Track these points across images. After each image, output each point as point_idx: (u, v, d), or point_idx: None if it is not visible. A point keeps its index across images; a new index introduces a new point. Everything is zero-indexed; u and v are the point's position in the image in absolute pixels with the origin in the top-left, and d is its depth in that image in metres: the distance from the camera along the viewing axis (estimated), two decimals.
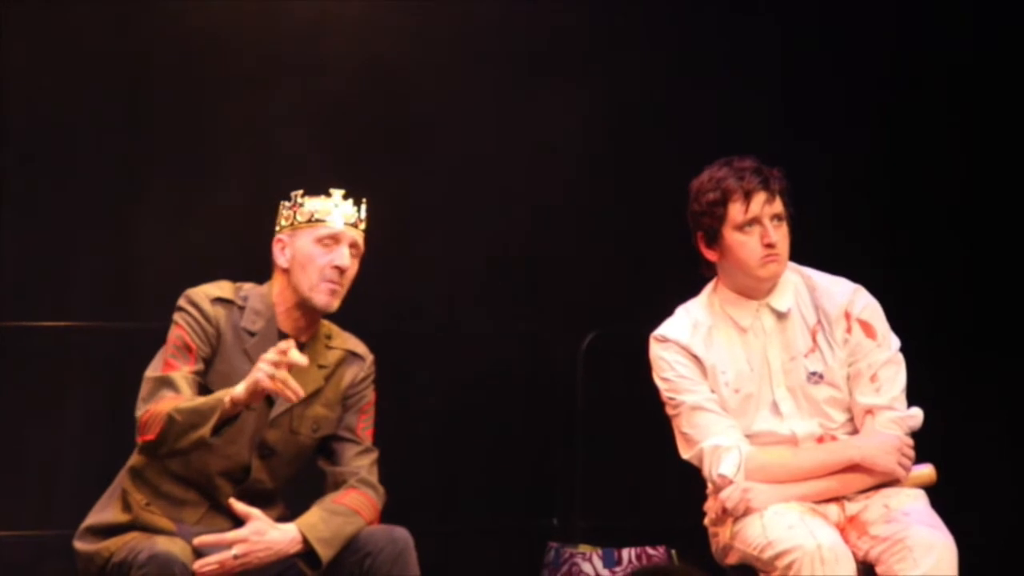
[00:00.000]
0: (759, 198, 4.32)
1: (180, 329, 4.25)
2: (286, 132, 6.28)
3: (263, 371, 4.00)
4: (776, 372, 4.35)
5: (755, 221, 4.32)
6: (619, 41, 6.62)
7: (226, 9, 6.24)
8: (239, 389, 4.05)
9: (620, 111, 6.59)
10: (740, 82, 6.61)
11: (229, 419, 4.09)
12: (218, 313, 4.27)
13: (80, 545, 4.23)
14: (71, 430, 6.02)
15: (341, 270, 4.28)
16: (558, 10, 6.55)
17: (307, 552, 4.18)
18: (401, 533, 4.24)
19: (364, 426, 4.41)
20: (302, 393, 4.06)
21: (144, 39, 6.18)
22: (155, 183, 6.20)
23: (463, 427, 6.51)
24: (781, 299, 4.39)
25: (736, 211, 4.32)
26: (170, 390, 4.16)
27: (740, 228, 4.33)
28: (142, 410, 4.17)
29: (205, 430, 4.05)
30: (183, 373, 4.20)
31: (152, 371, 4.23)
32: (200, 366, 4.23)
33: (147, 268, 6.11)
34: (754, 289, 4.39)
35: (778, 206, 4.34)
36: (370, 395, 4.44)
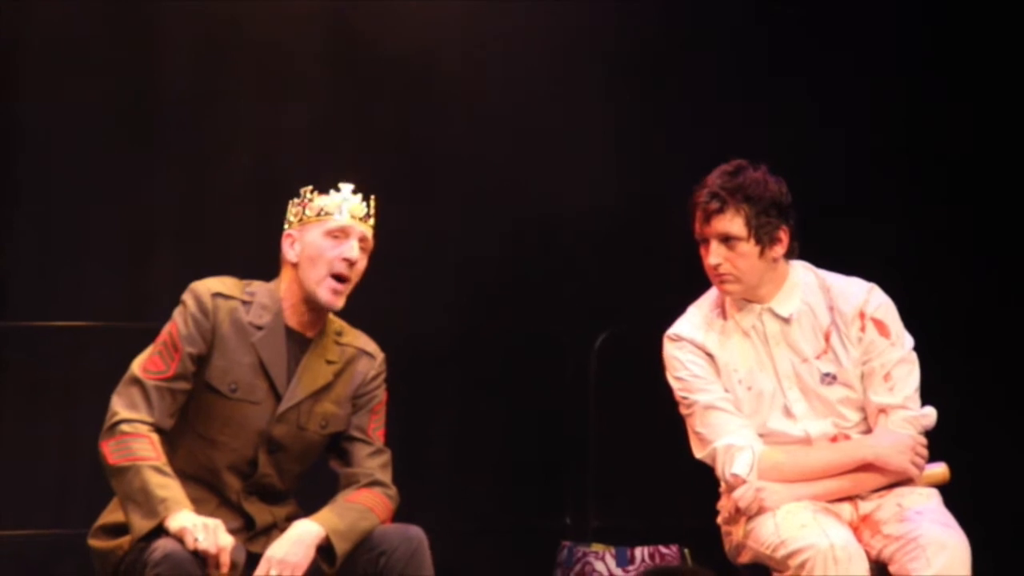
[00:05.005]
0: (710, 217, 4.28)
1: (173, 325, 4.27)
2: (298, 132, 6.29)
3: (197, 541, 3.98)
4: (785, 375, 4.34)
5: (704, 239, 4.31)
6: (638, 47, 6.62)
7: (234, 5, 6.26)
8: (175, 525, 4.02)
9: (638, 111, 6.60)
10: (759, 83, 6.60)
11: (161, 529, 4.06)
12: (217, 307, 4.26)
13: (95, 543, 4.24)
14: (85, 430, 6.02)
15: (350, 262, 4.27)
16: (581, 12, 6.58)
17: (324, 547, 4.16)
18: (415, 532, 4.22)
19: (375, 427, 4.40)
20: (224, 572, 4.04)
21: (156, 36, 6.21)
22: (168, 184, 6.22)
23: (476, 426, 6.51)
24: (784, 304, 4.36)
25: (696, 226, 4.33)
26: (141, 397, 4.19)
27: (699, 243, 4.33)
28: (118, 406, 4.19)
29: (137, 524, 4.05)
30: (158, 383, 4.20)
31: (138, 364, 4.25)
32: (185, 367, 4.22)
33: (160, 268, 6.13)
34: (750, 294, 4.38)
35: (733, 226, 4.28)
36: (381, 395, 4.43)
